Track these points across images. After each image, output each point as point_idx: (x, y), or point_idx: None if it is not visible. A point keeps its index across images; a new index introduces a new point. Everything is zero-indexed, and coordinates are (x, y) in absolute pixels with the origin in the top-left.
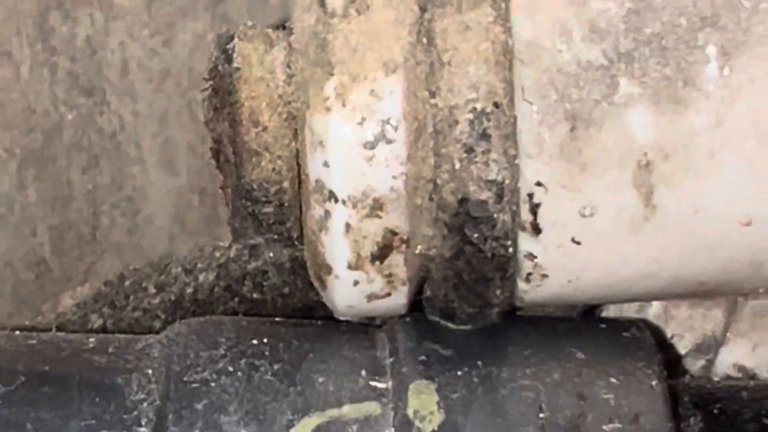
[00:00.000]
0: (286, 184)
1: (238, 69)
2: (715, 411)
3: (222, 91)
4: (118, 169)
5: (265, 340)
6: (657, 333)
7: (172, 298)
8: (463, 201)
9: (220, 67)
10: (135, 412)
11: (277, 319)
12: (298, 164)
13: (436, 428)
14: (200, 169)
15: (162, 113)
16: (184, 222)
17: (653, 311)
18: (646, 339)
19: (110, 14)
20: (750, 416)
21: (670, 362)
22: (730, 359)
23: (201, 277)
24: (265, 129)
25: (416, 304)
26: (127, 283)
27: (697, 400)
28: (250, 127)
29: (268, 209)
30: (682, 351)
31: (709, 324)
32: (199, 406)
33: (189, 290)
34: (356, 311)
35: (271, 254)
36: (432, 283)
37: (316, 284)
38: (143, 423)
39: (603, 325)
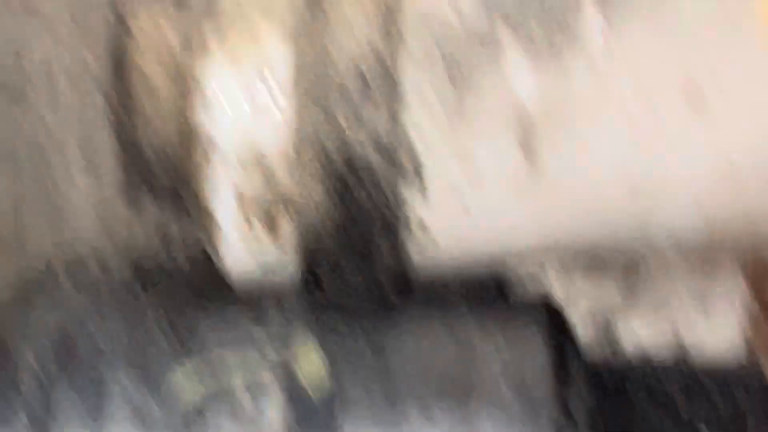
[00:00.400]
0: (179, 149)
1: (133, 38)
2: (607, 386)
3: (116, 55)
4: (42, 177)
5: (156, 304)
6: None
7: None
8: (349, 162)
9: (116, 37)
10: (17, 359)
11: None
12: (190, 126)
13: (324, 391)
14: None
15: (87, 119)
16: (111, 231)
17: (549, 281)
18: (542, 316)
19: (34, 16)
20: (640, 386)
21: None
22: (625, 338)
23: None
24: (156, 93)
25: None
26: None
27: (587, 375)
28: (143, 91)
29: (161, 171)
30: (576, 321)
31: (604, 295)
32: (82, 352)
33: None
34: (247, 277)
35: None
36: (323, 255)
37: (208, 250)
38: (28, 375)
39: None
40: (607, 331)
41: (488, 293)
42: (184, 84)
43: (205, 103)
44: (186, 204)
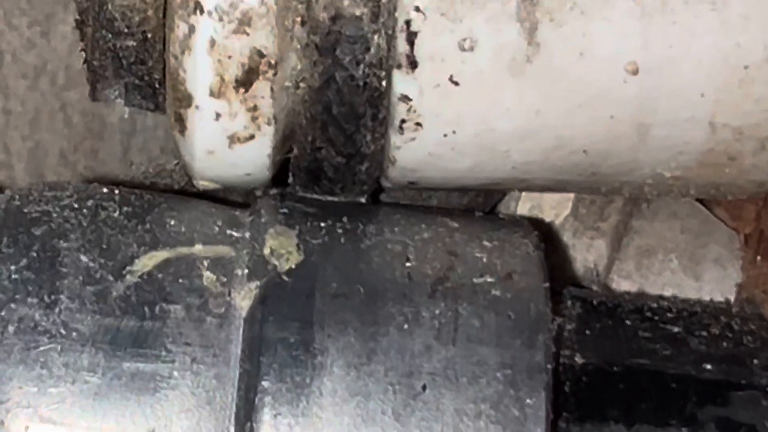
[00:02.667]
0: (150, 13)
1: None
2: (595, 302)
3: None
4: None
5: (116, 191)
6: (549, 232)
7: None
8: (336, 18)
9: None
10: None
11: None
12: None
13: (293, 266)
14: (70, 180)
15: (34, 114)
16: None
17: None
18: (524, 222)
19: None
20: (631, 308)
21: (558, 260)
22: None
23: None
24: None
25: None
26: None
27: (577, 293)
28: None
29: (130, 42)
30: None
31: (591, 255)
32: (37, 232)
33: None
34: (217, 162)
35: None
36: (299, 133)
37: (175, 131)
38: None
39: (480, 213)
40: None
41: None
42: None
43: None
44: (155, 76)
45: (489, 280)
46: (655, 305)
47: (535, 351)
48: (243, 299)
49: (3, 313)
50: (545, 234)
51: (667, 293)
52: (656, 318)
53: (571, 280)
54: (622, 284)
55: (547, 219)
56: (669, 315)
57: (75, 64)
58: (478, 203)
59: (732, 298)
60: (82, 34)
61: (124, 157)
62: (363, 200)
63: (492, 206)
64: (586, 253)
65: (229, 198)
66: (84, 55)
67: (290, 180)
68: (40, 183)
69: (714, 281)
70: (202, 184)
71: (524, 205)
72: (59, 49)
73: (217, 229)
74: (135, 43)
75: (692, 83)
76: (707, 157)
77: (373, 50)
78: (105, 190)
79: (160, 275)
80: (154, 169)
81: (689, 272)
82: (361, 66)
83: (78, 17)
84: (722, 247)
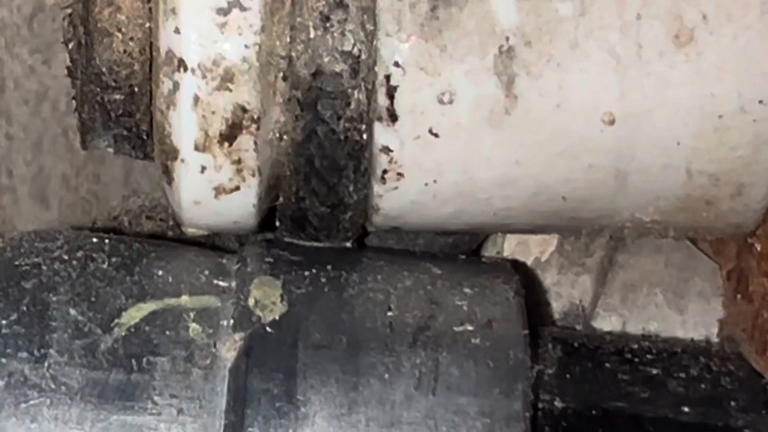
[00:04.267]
0: (137, 67)
1: None
2: (576, 344)
3: None
4: None
5: (106, 240)
6: (528, 276)
7: None
8: (317, 74)
9: None
10: None
11: None
12: (152, 47)
13: (277, 318)
14: (73, 204)
15: (37, 139)
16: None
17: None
18: (506, 265)
19: None
20: (611, 351)
21: (538, 303)
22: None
23: None
24: (119, 9)
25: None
26: None
27: (557, 335)
28: (104, 6)
29: (118, 96)
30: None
31: (577, 291)
32: (27, 285)
33: None
34: (203, 211)
35: None
36: (284, 183)
37: (163, 181)
38: None
39: (463, 256)
40: (578, 310)
41: (456, 256)
42: (148, 4)
43: (166, 13)
44: (142, 128)
45: (469, 328)
46: (635, 346)
47: (513, 400)
48: (228, 350)
49: None
50: (526, 275)
51: (652, 327)
52: (636, 360)
53: (552, 320)
54: (607, 318)
55: (533, 256)
56: (649, 356)
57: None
58: (464, 241)
59: (714, 333)
60: (72, 83)
61: (125, 180)
62: (349, 245)
63: (479, 243)
64: (571, 289)
65: (220, 243)
66: (74, 104)
67: (277, 225)
68: (32, 233)
69: (698, 314)
70: (190, 231)
71: (511, 242)
72: (60, 76)
73: (203, 278)
74: (122, 97)
75: (668, 132)
76: (685, 202)
77: (353, 105)
78: (95, 239)
79: (147, 328)
80: (150, 203)
81: (673, 306)
82: (342, 120)
83: (69, 66)
84: (706, 281)
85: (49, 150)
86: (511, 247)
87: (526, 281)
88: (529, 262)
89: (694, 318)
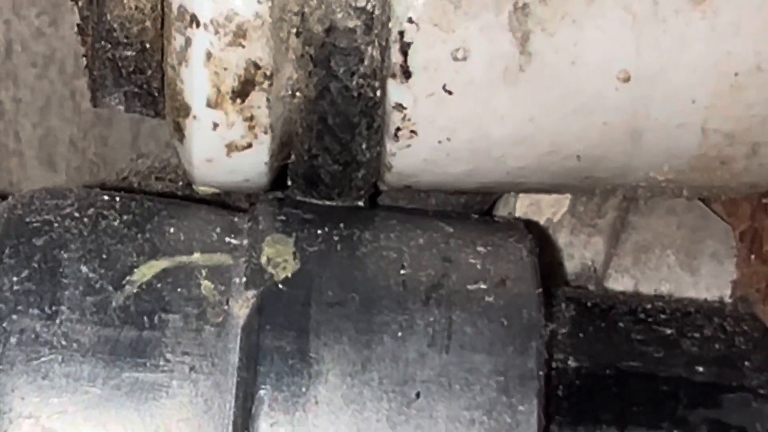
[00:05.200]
0: (148, 24)
1: None
2: (589, 304)
3: None
4: None
5: (117, 198)
6: (542, 234)
7: None
8: (330, 30)
9: None
10: None
11: None
12: (163, 2)
13: (290, 275)
14: (80, 167)
15: (44, 102)
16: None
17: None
18: (519, 224)
19: None
20: (625, 310)
21: (551, 263)
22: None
23: None
24: None
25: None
26: None
27: (570, 294)
28: None
29: (129, 52)
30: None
31: (589, 252)
32: (39, 242)
33: None
34: (215, 169)
35: None
36: (296, 141)
37: (174, 139)
38: None
39: (476, 216)
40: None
41: (468, 215)
42: None
43: None
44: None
45: (482, 286)
46: (649, 306)
47: (527, 358)
48: (240, 308)
49: (5, 325)
50: (539, 235)
51: (664, 288)
52: (650, 320)
53: (565, 280)
54: (619, 280)
55: (545, 216)
56: (662, 316)
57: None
58: (476, 201)
59: (728, 294)
60: (83, 41)
61: (133, 143)
62: (361, 203)
63: (491, 204)
64: (583, 250)
65: (230, 202)
66: (85, 61)
67: (289, 184)
68: (43, 190)
69: (710, 276)
70: (201, 189)
71: (523, 202)
72: (68, 37)
73: (215, 236)
74: (133, 53)
75: (684, 90)
76: (699, 161)
77: (366, 61)
78: (106, 197)
79: (158, 285)
80: (159, 163)
81: (686, 267)
82: (355, 77)
83: (80, 23)
84: (719, 242)
85: (57, 113)
86: (523, 207)
87: (540, 241)
88: (541, 222)
89: (706, 279)
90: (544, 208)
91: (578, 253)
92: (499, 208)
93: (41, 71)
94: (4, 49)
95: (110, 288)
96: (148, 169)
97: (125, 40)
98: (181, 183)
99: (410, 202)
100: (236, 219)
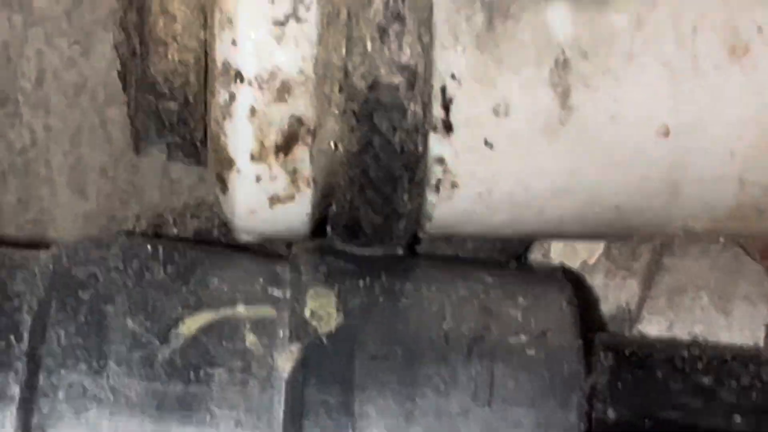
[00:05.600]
0: (192, 78)
1: None
2: (627, 353)
3: None
4: (26, 188)
5: (160, 248)
6: (577, 280)
7: None
8: (373, 86)
9: None
10: (16, 301)
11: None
12: (206, 57)
13: (333, 329)
14: (111, 194)
15: (75, 130)
16: None
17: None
18: (558, 273)
19: (29, 19)
20: (662, 358)
21: (590, 312)
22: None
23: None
24: (173, 18)
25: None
26: None
27: (608, 342)
28: (159, 15)
29: (172, 105)
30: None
31: (624, 295)
32: (85, 296)
33: None
34: (258, 220)
35: None
36: (338, 192)
37: (217, 189)
38: (24, 310)
39: (515, 264)
40: (624, 313)
41: (507, 264)
42: (201, 6)
43: (223, 25)
44: (197, 136)
45: (523, 339)
46: (685, 354)
47: (568, 411)
48: (285, 361)
49: (53, 379)
50: (575, 280)
51: (698, 330)
52: (687, 369)
53: (600, 324)
54: (653, 321)
55: (581, 259)
56: (699, 365)
57: (114, 82)
58: (513, 244)
59: (761, 336)
60: (123, 88)
61: (164, 171)
62: (401, 251)
63: (526, 246)
64: (618, 293)
65: (269, 245)
66: (126, 110)
67: (329, 232)
68: (87, 240)
69: (744, 318)
70: (243, 238)
71: (558, 245)
72: (99, 67)
73: (258, 287)
74: (177, 106)
75: (722, 143)
76: (737, 211)
77: (409, 116)
78: (149, 247)
79: (204, 338)
80: (194, 201)
81: (719, 309)
82: (398, 132)
83: (120, 69)
84: (752, 284)
85: (88, 141)
86: (558, 250)
87: (576, 286)
88: (577, 265)
89: (740, 321)
90: (580, 251)
91: (613, 295)
92: (534, 250)
93: (72, 100)
94: (35, 77)
95: (156, 342)
96: (184, 206)
97: (168, 93)
98: (217, 222)
99: (448, 245)
100: (278, 268)
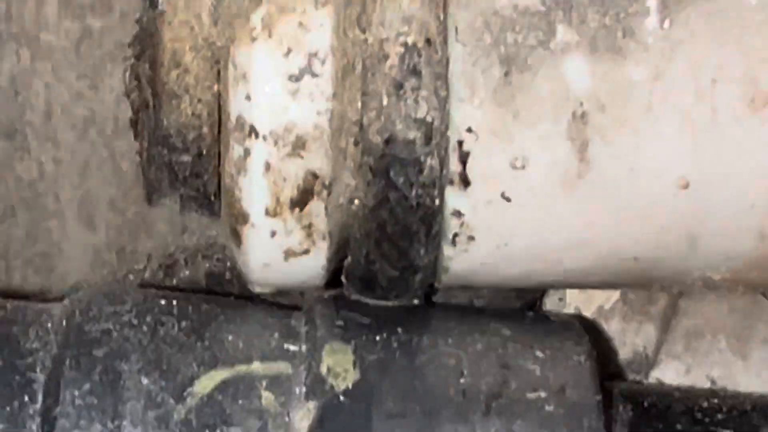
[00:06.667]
0: (205, 130)
1: (162, 13)
2: (646, 404)
3: (145, 36)
4: (35, 222)
5: (174, 302)
6: (592, 328)
7: None
8: (389, 141)
9: (145, 15)
10: (30, 359)
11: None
12: (219, 109)
13: (350, 386)
14: (120, 227)
15: (84, 163)
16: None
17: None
18: (575, 324)
19: (37, 53)
20: (681, 410)
21: (606, 360)
22: (662, 380)
23: None
24: (186, 71)
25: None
26: None
27: (627, 393)
28: (172, 68)
29: (185, 158)
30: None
31: (641, 339)
32: (99, 354)
33: None
34: (272, 273)
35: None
36: (353, 245)
37: (231, 243)
38: (38, 369)
39: (531, 313)
40: (641, 358)
41: (524, 313)
42: (214, 59)
43: (237, 79)
44: (210, 189)
45: (542, 395)
46: (705, 404)
47: None
48: (301, 420)
49: None
50: (590, 328)
51: (715, 373)
52: (706, 420)
53: (618, 370)
54: (671, 365)
55: (597, 304)
56: (719, 416)
57: (123, 115)
58: (529, 291)
59: None
60: (135, 137)
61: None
62: (417, 302)
63: (542, 291)
64: (635, 338)
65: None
66: (138, 161)
67: (344, 283)
68: (100, 295)
69: (762, 361)
70: (257, 289)
71: (574, 290)
72: (107, 100)
73: (273, 343)
74: (190, 158)
75: (742, 195)
76: (757, 262)
77: (426, 171)
78: (163, 302)
79: (219, 396)
80: (206, 241)
81: (737, 352)
82: (415, 186)
83: (131, 118)
84: None
85: (96, 174)
86: (574, 295)
87: (592, 334)
88: (593, 310)
89: (758, 365)
90: (596, 295)
91: (630, 340)
92: (550, 294)
93: (81, 133)
94: (44, 111)
95: (171, 401)
96: (195, 248)
97: (181, 146)
98: (229, 264)
99: (463, 291)
100: (293, 322)
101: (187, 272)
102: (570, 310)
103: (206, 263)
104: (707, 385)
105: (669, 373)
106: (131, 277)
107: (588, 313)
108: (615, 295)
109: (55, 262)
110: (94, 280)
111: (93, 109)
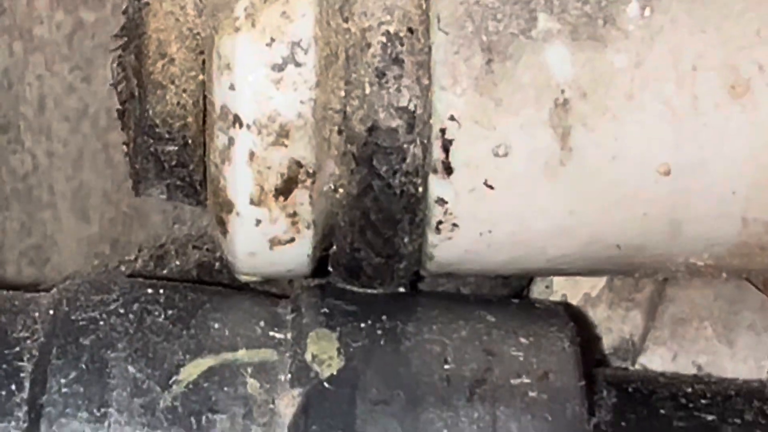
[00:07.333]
0: (190, 120)
1: (147, 3)
2: (630, 389)
3: (131, 26)
4: (28, 214)
5: (161, 290)
6: (578, 315)
7: None
8: (372, 129)
9: (131, 6)
10: (17, 348)
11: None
12: (204, 99)
13: (335, 373)
14: (114, 219)
15: (77, 155)
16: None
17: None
18: (560, 311)
19: (30, 45)
20: (666, 395)
21: (590, 345)
22: (649, 367)
23: None
24: (172, 61)
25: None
26: None
27: (611, 378)
28: (157, 58)
29: (171, 147)
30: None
31: (627, 326)
32: (86, 342)
33: None
34: (258, 262)
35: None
36: (338, 233)
37: (217, 232)
38: (25, 358)
39: (516, 300)
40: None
41: (508, 300)
42: (199, 50)
43: (221, 69)
44: (196, 178)
45: (526, 380)
46: (689, 390)
47: None
48: (286, 407)
49: (54, 428)
50: (575, 315)
51: (701, 360)
52: (690, 405)
53: (603, 356)
54: (657, 352)
55: (583, 291)
56: (703, 401)
57: (115, 107)
58: (515, 279)
59: (766, 366)
60: (122, 127)
61: None
62: (402, 290)
63: (529, 279)
64: (621, 325)
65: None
66: (125, 150)
67: (330, 271)
68: (87, 284)
69: (747, 348)
70: (243, 278)
71: (560, 278)
72: (100, 92)
73: (259, 330)
74: (176, 148)
75: (724, 182)
76: (739, 248)
77: (409, 159)
78: (150, 290)
79: (205, 384)
80: (197, 231)
81: (723, 339)
82: (398, 174)
83: (119, 109)
84: (756, 313)
85: (90, 166)
86: (560, 282)
87: (576, 321)
88: (579, 297)
89: (744, 351)
90: (582, 283)
91: (616, 327)
92: (536, 282)
93: (74, 125)
94: (37, 104)
95: (158, 388)
96: (186, 238)
97: (167, 135)
98: (218, 254)
99: (449, 280)
100: (279, 310)
101: (177, 262)
102: (557, 297)
103: (197, 253)
104: (694, 371)
105: (655, 360)
106: (122, 267)
107: (574, 300)
108: (601, 282)
109: (49, 253)
110: (87, 272)
111: (86, 102)
